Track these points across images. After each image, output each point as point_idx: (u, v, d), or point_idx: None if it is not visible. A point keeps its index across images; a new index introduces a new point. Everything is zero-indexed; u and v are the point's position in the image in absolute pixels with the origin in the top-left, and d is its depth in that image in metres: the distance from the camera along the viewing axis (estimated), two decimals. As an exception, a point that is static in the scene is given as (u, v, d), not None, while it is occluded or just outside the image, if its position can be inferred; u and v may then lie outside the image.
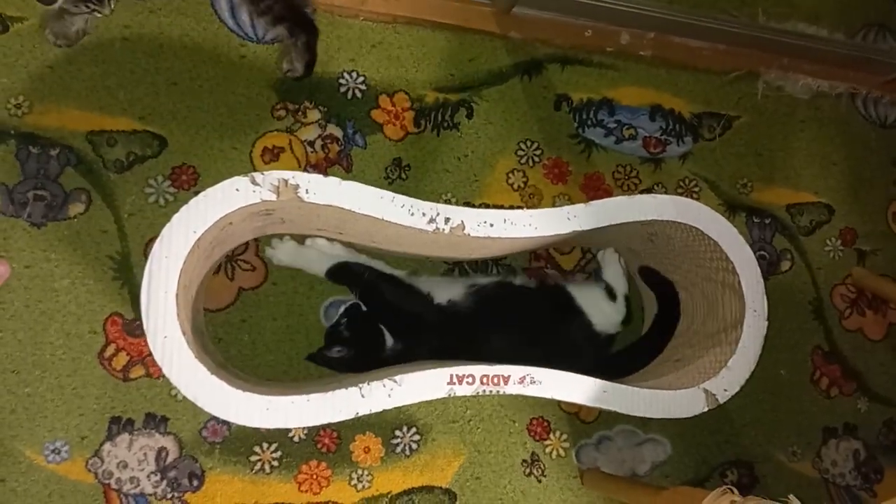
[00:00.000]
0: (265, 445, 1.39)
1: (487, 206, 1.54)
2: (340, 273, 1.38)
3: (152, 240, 1.36)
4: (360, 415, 1.07)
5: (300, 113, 1.46)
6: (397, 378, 1.09)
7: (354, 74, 1.50)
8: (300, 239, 1.40)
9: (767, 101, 1.75)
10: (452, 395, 1.12)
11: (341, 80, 1.49)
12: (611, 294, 1.45)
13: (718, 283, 1.33)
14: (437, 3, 1.53)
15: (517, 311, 1.41)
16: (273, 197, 1.05)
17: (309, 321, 1.43)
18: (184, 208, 1.03)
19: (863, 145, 1.82)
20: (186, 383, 1.01)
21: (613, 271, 1.46)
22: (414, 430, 1.47)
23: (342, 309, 1.38)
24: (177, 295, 1.01)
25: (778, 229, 1.72)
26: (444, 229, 1.14)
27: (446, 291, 1.38)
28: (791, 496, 1.10)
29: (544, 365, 1.20)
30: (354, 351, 1.31)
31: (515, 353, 1.34)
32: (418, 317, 1.37)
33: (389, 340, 1.34)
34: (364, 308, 1.37)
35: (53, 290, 1.33)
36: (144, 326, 1.00)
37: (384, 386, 1.09)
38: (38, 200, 1.33)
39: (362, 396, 1.07)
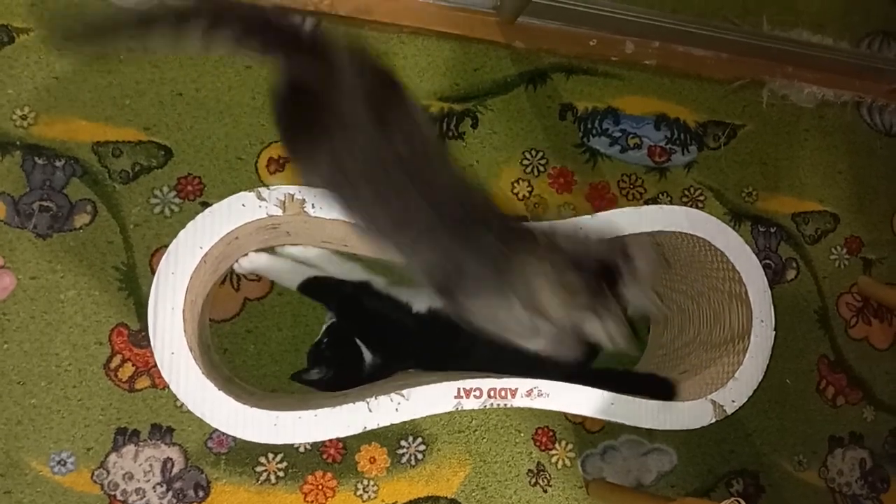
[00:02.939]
0: (271, 456, 1.39)
1: (493, 216, 1.53)
2: (312, 288, 1.35)
3: (158, 250, 1.36)
4: (367, 429, 1.07)
5: (305, 123, 1.46)
6: (405, 392, 1.09)
7: (360, 84, 1.49)
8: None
9: (772, 110, 1.75)
10: (460, 408, 1.12)
11: (346, 90, 1.49)
12: None
13: (725, 294, 1.33)
14: (442, 13, 1.52)
15: None
16: (279, 212, 1.05)
17: (314, 331, 1.42)
18: (190, 224, 1.03)
19: (868, 153, 1.81)
20: (194, 399, 1.01)
21: None
22: (419, 440, 1.46)
23: (323, 328, 1.37)
24: (183, 311, 1.01)
25: (783, 238, 1.72)
26: (450, 242, 1.13)
27: (426, 299, 1.35)
28: (798, 509, 1.10)
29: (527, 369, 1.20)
30: (333, 371, 1.29)
31: (499, 359, 1.33)
32: (397, 327, 1.34)
33: (368, 356, 1.32)
34: (342, 325, 1.35)
35: (59, 301, 1.33)
36: (151, 343, 1.00)
37: (391, 400, 1.08)
38: (44, 211, 1.33)
39: (370, 411, 1.07)
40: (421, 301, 1.35)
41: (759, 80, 1.74)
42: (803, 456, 1.68)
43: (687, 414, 1.24)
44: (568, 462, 1.54)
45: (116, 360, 1.34)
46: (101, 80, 1.37)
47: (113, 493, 1.32)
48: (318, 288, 1.36)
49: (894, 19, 1.87)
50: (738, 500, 1.14)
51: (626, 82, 1.66)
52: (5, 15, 1.34)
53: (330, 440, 1.42)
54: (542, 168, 1.59)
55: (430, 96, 1.53)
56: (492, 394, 1.14)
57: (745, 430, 1.64)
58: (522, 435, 1.52)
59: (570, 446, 1.54)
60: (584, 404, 1.19)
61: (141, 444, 1.34)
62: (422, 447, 1.46)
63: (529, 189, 1.57)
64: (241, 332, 1.40)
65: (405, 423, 1.13)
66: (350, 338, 1.32)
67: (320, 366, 1.29)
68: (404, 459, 1.46)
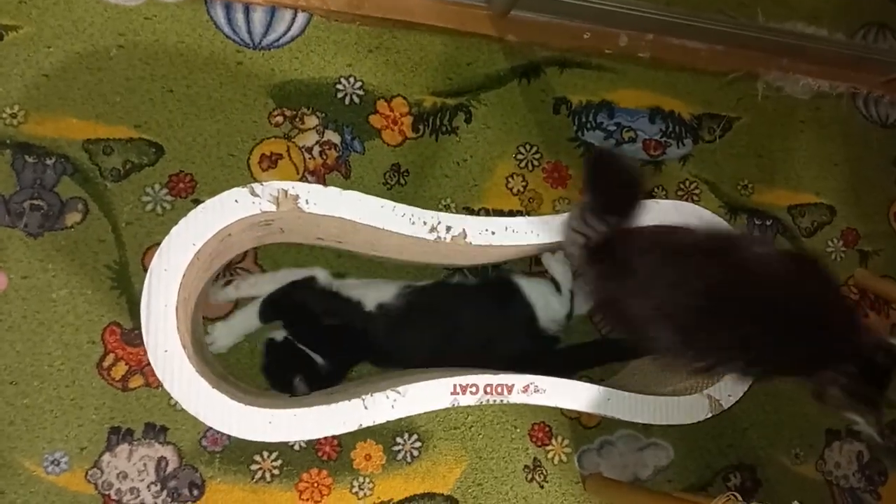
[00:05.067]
0: (265, 454, 1.39)
1: (487, 211, 1.53)
2: (270, 311, 1.34)
3: (150, 248, 1.35)
4: (363, 426, 1.06)
5: (298, 119, 1.45)
6: (400, 389, 1.08)
7: (352, 80, 1.48)
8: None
9: (767, 102, 1.74)
10: (456, 405, 1.12)
11: (338, 86, 1.48)
12: (557, 288, 1.43)
13: (721, 287, 1.33)
14: (435, 7, 1.51)
15: (456, 309, 1.39)
16: (273, 208, 1.04)
17: (309, 329, 1.42)
18: (182, 221, 1.02)
19: (864, 145, 1.81)
20: (188, 398, 1.00)
21: (561, 269, 1.44)
22: (415, 436, 1.46)
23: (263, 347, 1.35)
24: (176, 308, 1.00)
25: (779, 231, 1.72)
26: (445, 238, 1.13)
27: (375, 296, 1.35)
28: (796, 503, 1.09)
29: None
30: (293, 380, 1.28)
31: (448, 353, 1.34)
32: (346, 327, 1.34)
33: (319, 360, 1.31)
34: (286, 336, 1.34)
35: (51, 300, 1.32)
36: (145, 341, 0.99)
37: (387, 397, 1.08)
38: (35, 210, 1.32)
39: (365, 408, 1.07)
40: (371, 298, 1.34)
41: (754, 72, 1.73)
42: (800, 449, 1.68)
43: (683, 409, 1.24)
44: (564, 457, 1.53)
45: (109, 359, 1.33)
46: (91, 78, 1.36)
47: (107, 492, 1.32)
48: (274, 308, 1.34)
49: (889, 11, 1.86)
50: (733, 495, 1.14)
51: (621, 75, 1.65)
52: (-6, 12, 1.33)
53: (325, 438, 1.41)
54: (536, 163, 1.58)
55: (423, 91, 1.52)
56: (488, 390, 1.14)
57: (742, 424, 1.64)
58: (518, 431, 1.51)
59: (566, 442, 1.54)
60: (580, 400, 1.19)
61: (135, 443, 1.33)
62: (417, 444, 1.46)
63: (524, 184, 1.56)
64: (235, 330, 1.39)
65: (401, 419, 1.13)
66: (294, 348, 1.32)
67: (281, 380, 1.30)
68: (400, 456, 1.45)
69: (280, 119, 1.44)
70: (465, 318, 1.37)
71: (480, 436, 1.49)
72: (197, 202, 1.14)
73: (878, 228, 1.80)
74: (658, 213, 1.24)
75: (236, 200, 1.04)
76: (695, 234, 1.17)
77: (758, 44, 1.69)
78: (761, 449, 1.65)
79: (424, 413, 1.42)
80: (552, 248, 1.41)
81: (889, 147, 1.83)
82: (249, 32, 1.44)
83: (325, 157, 1.46)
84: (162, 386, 1.02)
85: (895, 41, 1.85)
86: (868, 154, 1.81)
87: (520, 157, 1.57)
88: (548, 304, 1.41)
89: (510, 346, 1.39)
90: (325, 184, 1.44)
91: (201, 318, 1.34)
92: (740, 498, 1.13)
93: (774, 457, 1.66)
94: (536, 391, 1.16)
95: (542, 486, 1.52)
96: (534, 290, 1.42)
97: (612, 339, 1.53)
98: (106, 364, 1.33)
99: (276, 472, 1.39)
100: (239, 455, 1.37)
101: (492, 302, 1.40)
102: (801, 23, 1.74)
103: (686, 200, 1.64)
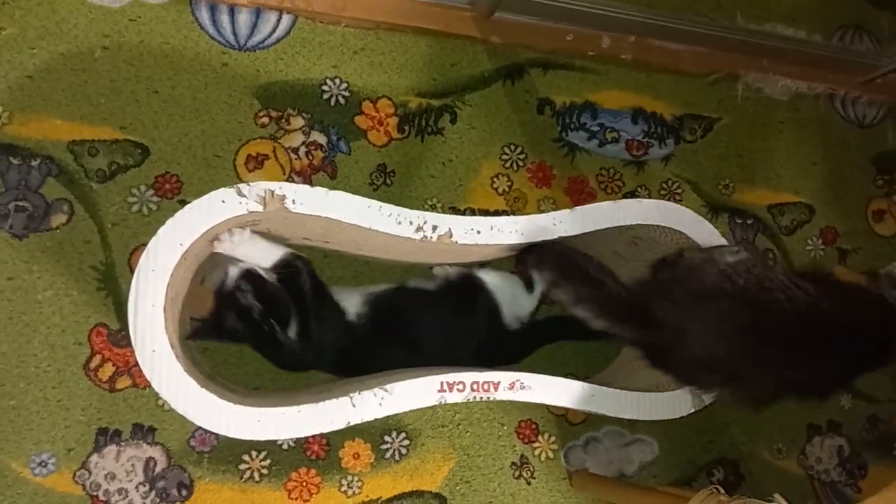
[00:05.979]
0: (254, 454, 1.39)
1: (473, 211, 1.54)
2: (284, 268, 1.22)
3: (136, 249, 1.35)
4: (351, 424, 1.07)
5: (283, 120, 1.46)
6: (388, 387, 1.09)
7: (337, 81, 1.49)
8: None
9: (747, 103, 1.77)
10: (443, 402, 1.13)
11: (324, 87, 1.49)
12: (529, 286, 1.43)
13: (703, 285, 1.34)
14: (419, 9, 1.52)
15: (418, 315, 1.35)
16: (259, 208, 1.05)
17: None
18: (170, 221, 1.02)
19: (842, 145, 1.84)
20: (176, 397, 1.00)
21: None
22: (403, 435, 1.47)
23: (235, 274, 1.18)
24: (164, 308, 1.01)
25: (760, 229, 1.74)
26: (431, 237, 1.14)
27: (356, 305, 1.30)
28: (777, 495, 1.11)
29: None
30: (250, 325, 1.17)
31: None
32: (327, 326, 1.26)
33: (293, 332, 1.21)
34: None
35: (37, 301, 1.31)
36: (132, 341, 1.00)
37: (375, 395, 1.09)
38: (20, 212, 1.32)
39: (353, 406, 1.07)
40: (353, 306, 1.30)
41: (734, 73, 1.76)
42: (782, 444, 1.70)
43: (667, 404, 1.26)
44: (551, 454, 1.55)
45: (96, 360, 1.33)
46: (76, 79, 1.36)
47: (95, 493, 1.32)
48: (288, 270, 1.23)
49: (866, 12, 1.89)
50: (716, 488, 1.15)
51: (603, 77, 1.67)
52: (-23, 13, 1.33)
53: (313, 437, 1.42)
54: (521, 163, 1.59)
55: (408, 92, 1.53)
56: (475, 387, 1.15)
57: (725, 419, 1.66)
58: (505, 428, 1.53)
59: (552, 438, 1.55)
60: (565, 396, 1.20)
61: (122, 443, 1.33)
62: (405, 442, 1.47)
63: (509, 184, 1.58)
64: (222, 331, 1.40)
65: (388, 418, 1.14)
66: (280, 297, 1.20)
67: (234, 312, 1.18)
68: (388, 454, 1.46)
69: (266, 120, 1.45)
70: (426, 323, 1.34)
71: (468, 433, 1.50)
72: (183, 203, 1.15)
73: (857, 227, 1.83)
74: (641, 213, 1.26)
75: (223, 201, 1.04)
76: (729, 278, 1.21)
77: (737, 45, 1.72)
78: (743, 444, 1.68)
79: (412, 411, 1.43)
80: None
81: (866, 146, 1.86)
82: (234, 34, 1.44)
83: (311, 157, 1.46)
84: (149, 386, 1.02)
85: (871, 42, 1.88)
86: (846, 154, 1.84)
87: (505, 157, 1.58)
88: (514, 299, 1.40)
89: (472, 346, 1.36)
90: (311, 184, 1.45)
91: (188, 319, 1.34)
92: (723, 492, 1.14)
93: (757, 452, 1.68)
94: (522, 388, 1.17)
95: (529, 483, 1.53)
96: (499, 285, 1.40)
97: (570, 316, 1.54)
98: (93, 365, 1.33)
99: (264, 471, 1.39)
100: (227, 455, 1.38)
101: (453, 305, 1.37)
102: (780, 24, 1.76)
103: (669, 200, 1.66)
